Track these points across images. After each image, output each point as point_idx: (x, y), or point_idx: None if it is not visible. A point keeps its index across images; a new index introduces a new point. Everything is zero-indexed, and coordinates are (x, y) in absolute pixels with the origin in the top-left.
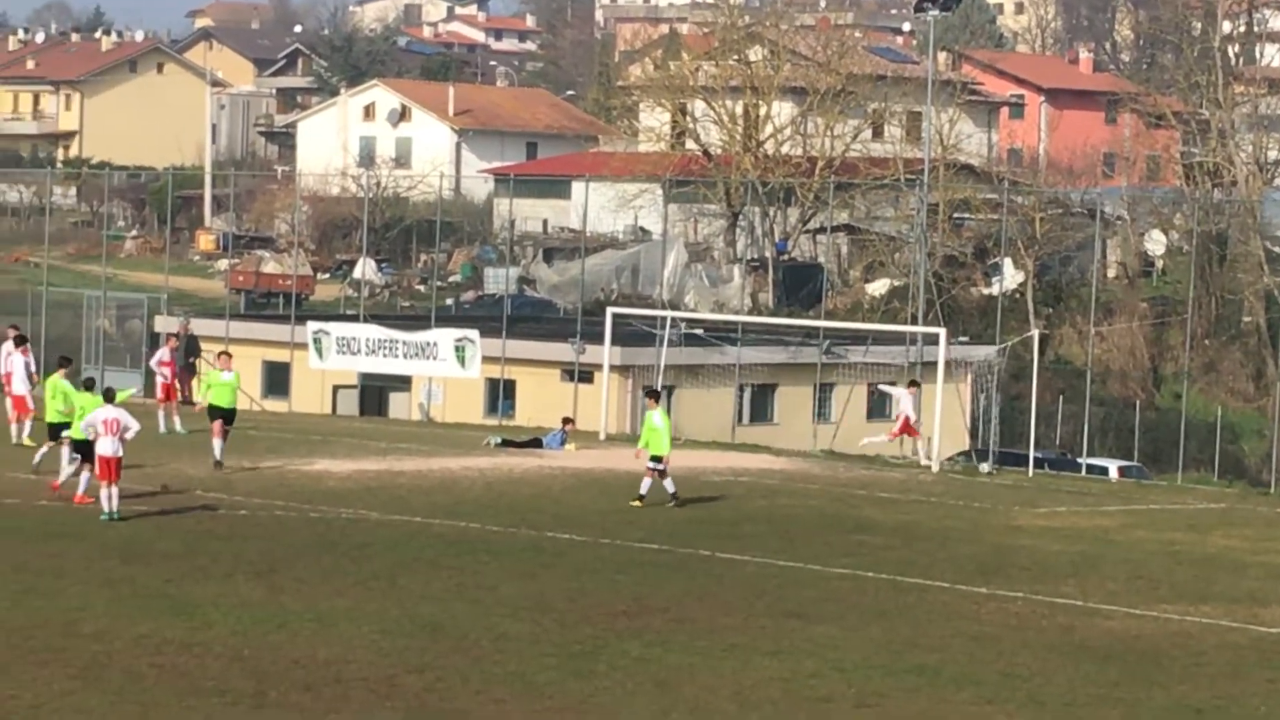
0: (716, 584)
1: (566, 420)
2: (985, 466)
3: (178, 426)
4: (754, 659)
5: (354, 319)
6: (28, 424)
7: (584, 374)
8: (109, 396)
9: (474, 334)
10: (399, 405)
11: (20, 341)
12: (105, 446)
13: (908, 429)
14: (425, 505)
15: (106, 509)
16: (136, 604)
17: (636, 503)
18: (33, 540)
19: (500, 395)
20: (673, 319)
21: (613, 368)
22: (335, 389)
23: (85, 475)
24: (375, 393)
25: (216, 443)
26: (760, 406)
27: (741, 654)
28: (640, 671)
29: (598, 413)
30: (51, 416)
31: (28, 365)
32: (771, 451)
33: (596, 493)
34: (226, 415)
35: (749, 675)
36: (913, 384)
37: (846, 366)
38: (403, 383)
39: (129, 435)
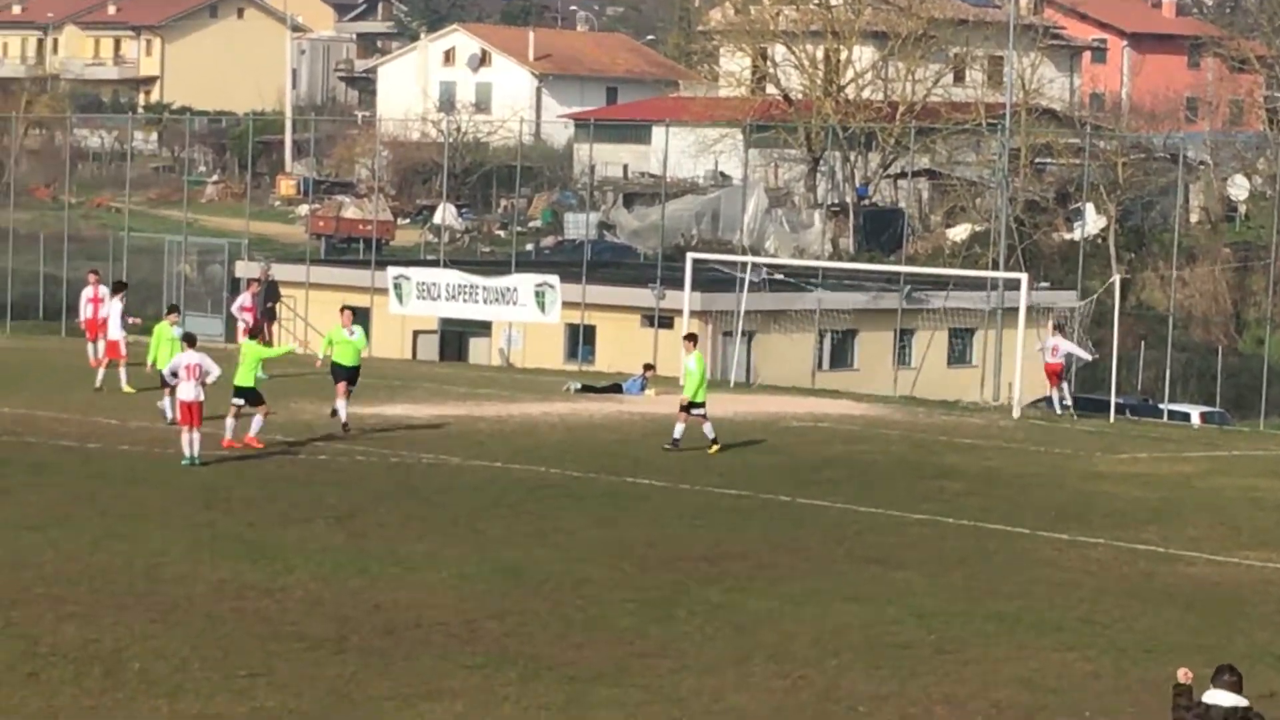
0: (796, 529)
1: (647, 367)
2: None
3: (259, 371)
4: (834, 605)
5: (434, 264)
6: (123, 370)
7: (664, 319)
8: (190, 341)
9: (554, 279)
10: (479, 350)
11: (119, 288)
12: (186, 391)
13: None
14: (505, 450)
15: (187, 454)
16: (217, 548)
17: (668, 448)
18: (114, 485)
19: (580, 340)
20: (753, 264)
21: (693, 313)
22: (415, 334)
23: (257, 420)
24: (455, 338)
25: (341, 404)
26: (841, 352)
27: (821, 600)
28: (720, 617)
29: (677, 358)
30: (161, 365)
31: (124, 311)
32: (852, 397)
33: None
34: (351, 375)
35: (829, 621)
36: (1057, 328)
37: (927, 312)
38: (483, 328)
39: (209, 380)
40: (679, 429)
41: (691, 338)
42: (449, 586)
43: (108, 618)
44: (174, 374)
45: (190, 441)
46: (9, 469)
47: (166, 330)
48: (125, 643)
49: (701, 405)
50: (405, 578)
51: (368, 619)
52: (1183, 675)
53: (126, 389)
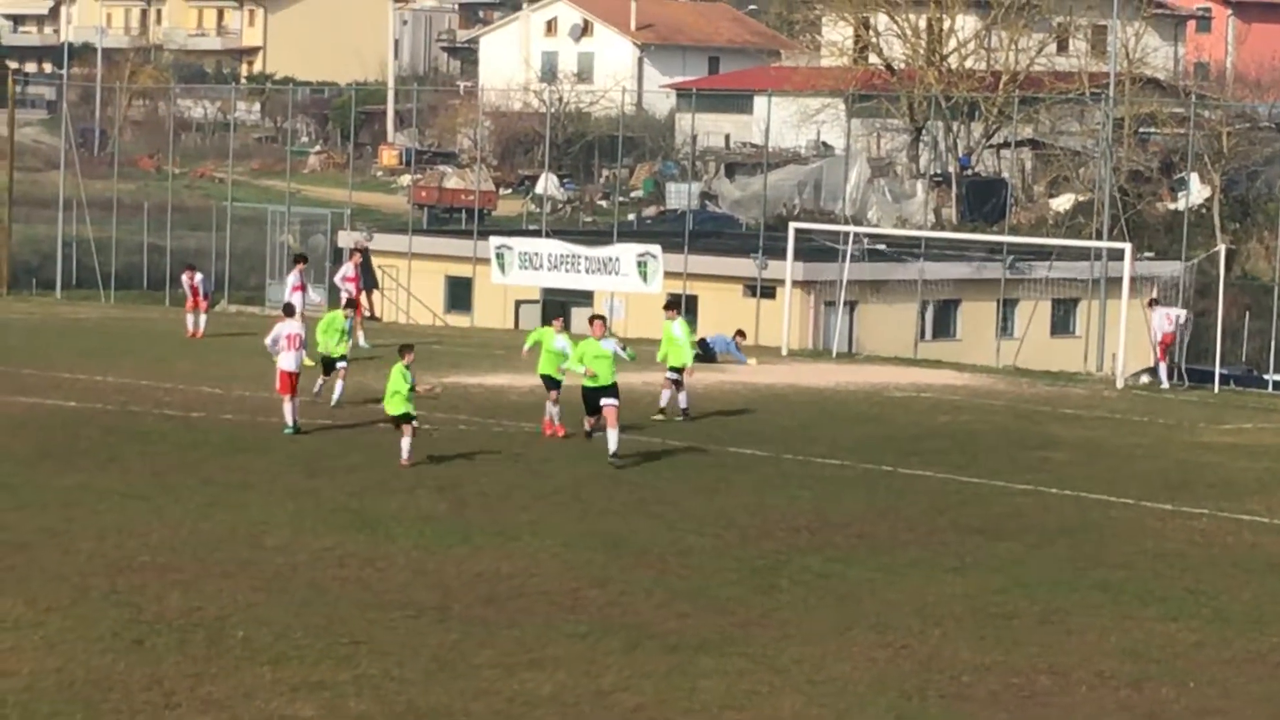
0: (899, 500)
1: (739, 333)
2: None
3: (361, 341)
4: (937, 575)
5: (536, 234)
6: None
7: (766, 289)
8: (289, 311)
9: (656, 249)
10: (581, 320)
11: (299, 260)
12: (288, 361)
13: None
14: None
15: (289, 422)
16: (320, 517)
17: (658, 416)
18: (218, 454)
19: (682, 310)
20: (855, 234)
21: (795, 283)
22: (518, 304)
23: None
24: (557, 307)
25: (612, 434)
26: (943, 322)
27: (924, 570)
28: (822, 586)
29: (779, 328)
30: (324, 349)
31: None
32: (954, 367)
33: (779, 408)
34: (607, 390)
35: (932, 591)
36: (1152, 302)
37: (1030, 282)
38: (585, 297)
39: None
40: (683, 398)
41: (673, 305)
42: (552, 555)
43: (212, 586)
44: (275, 343)
45: (291, 410)
46: (114, 438)
47: (339, 319)
48: (229, 611)
49: (679, 371)
50: (508, 546)
51: (470, 587)
52: None
53: (306, 362)
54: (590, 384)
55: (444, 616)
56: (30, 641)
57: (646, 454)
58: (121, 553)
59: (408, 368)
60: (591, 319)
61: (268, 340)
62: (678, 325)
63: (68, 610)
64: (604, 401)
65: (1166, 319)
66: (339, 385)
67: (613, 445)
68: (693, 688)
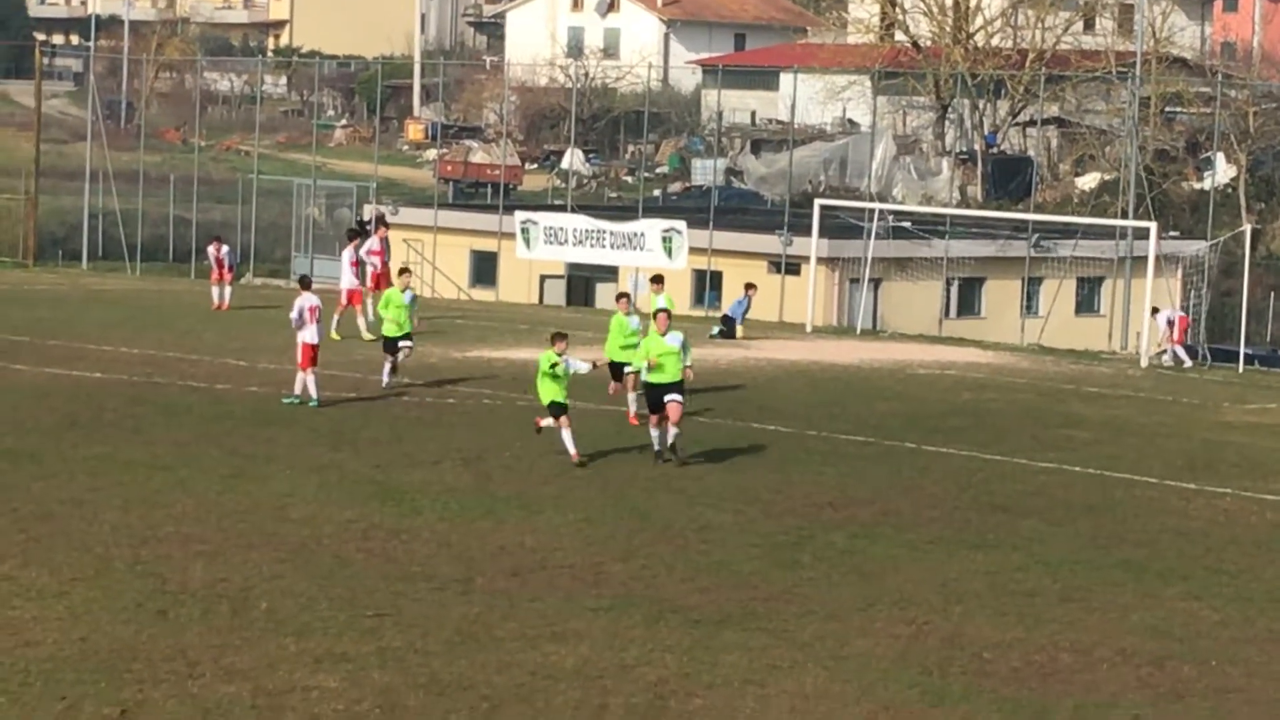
0: (922, 477)
1: (749, 285)
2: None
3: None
4: (959, 552)
5: (561, 209)
6: (360, 319)
7: (791, 266)
8: (305, 284)
9: (681, 225)
10: (606, 295)
11: (352, 235)
12: (310, 334)
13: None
14: (632, 395)
15: (314, 395)
16: (345, 490)
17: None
18: (243, 426)
19: (707, 286)
20: (880, 211)
21: (819, 260)
22: (542, 278)
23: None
24: (582, 283)
25: (672, 431)
26: (968, 300)
27: (946, 547)
28: (844, 563)
29: (804, 305)
30: (388, 330)
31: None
32: (978, 345)
33: (803, 384)
34: (671, 386)
35: (954, 568)
36: (1155, 311)
37: (1055, 260)
38: (609, 273)
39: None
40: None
41: (659, 279)
42: (575, 529)
43: (236, 557)
44: (300, 317)
45: (314, 383)
46: (139, 409)
47: (397, 295)
48: (253, 582)
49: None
50: (531, 520)
51: (494, 560)
52: None
53: (333, 335)
54: (654, 379)
55: (467, 589)
56: (54, 611)
57: None
58: (146, 524)
59: (560, 355)
60: (618, 296)
61: (292, 314)
62: (662, 300)
63: (92, 580)
64: (669, 398)
65: (1170, 321)
66: (389, 365)
67: (671, 438)
68: (715, 662)
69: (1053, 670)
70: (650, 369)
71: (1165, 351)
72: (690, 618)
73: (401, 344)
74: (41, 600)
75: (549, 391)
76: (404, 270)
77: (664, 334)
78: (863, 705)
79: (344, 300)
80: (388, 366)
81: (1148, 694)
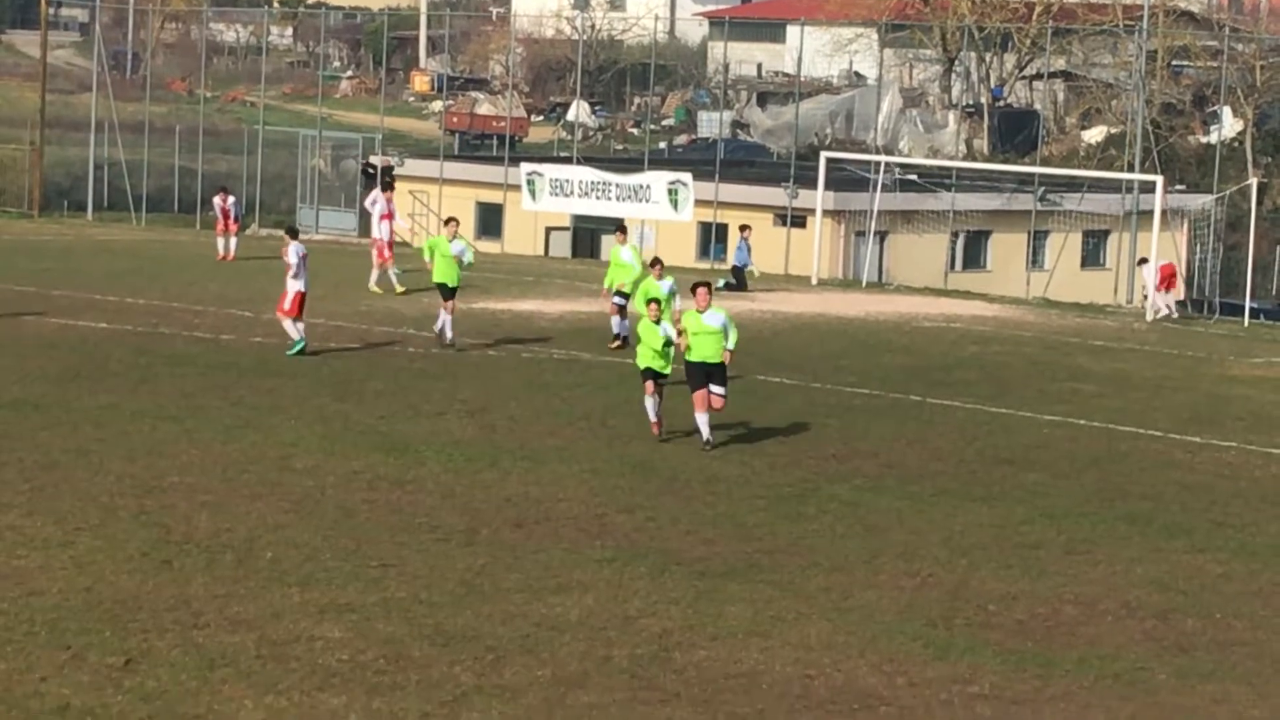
0: (927, 429)
1: (744, 227)
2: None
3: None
4: (964, 505)
5: (567, 161)
6: (375, 272)
7: (796, 218)
8: (294, 234)
9: (687, 177)
10: (611, 247)
11: (386, 187)
12: (301, 282)
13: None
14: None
15: (297, 336)
16: (349, 440)
17: (615, 345)
18: (248, 376)
19: (712, 239)
20: (886, 164)
21: (825, 212)
22: (548, 230)
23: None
24: (587, 235)
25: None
26: (974, 253)
27: (951, 499)
28: (849, 515)
29: (810, 257)
30: (440, 277)
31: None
32: (984, 298)
33: (809, 336)
34: (714, 370)
35: (958, 521)
36: (1143, 261)
37: (1061, 214)
38: (615, 225)
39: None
40: (622, 324)
41: (623, 228)
42: (579, 481)
43: (240, 507)
44: (303, 265)
45: (297, 329)
46: (145, 359)
47: (443, 244)
48: (258, 532)
49: (627, 297)
50: (536, 471)
51: (498, 512)
52: None
53: (373, 289)
54: (695, 356)
55: (472, 540)
56: (59, 560)
57: (672, 382)
58: (151, 473)
59: (657, 323)
60: (652, 262)
61: (294, 260)
62: (626, 250)
63: (97, 530)
64: (713, 389)
65: (1158, 270)
66: (443, 315)
67: (706, 432)
68: (719, 614)
69: (1057, 623)
70: (680, 350)
71: (1152, 303)
72: (695, 569)
73: (451, 299)
74: (46, 550)
75: (649, 359)
76: (451, 219)
77: (703, 311)
78: (867, 657)
79: (379, 254)
80: (448, 319)
81: (1152, 647)
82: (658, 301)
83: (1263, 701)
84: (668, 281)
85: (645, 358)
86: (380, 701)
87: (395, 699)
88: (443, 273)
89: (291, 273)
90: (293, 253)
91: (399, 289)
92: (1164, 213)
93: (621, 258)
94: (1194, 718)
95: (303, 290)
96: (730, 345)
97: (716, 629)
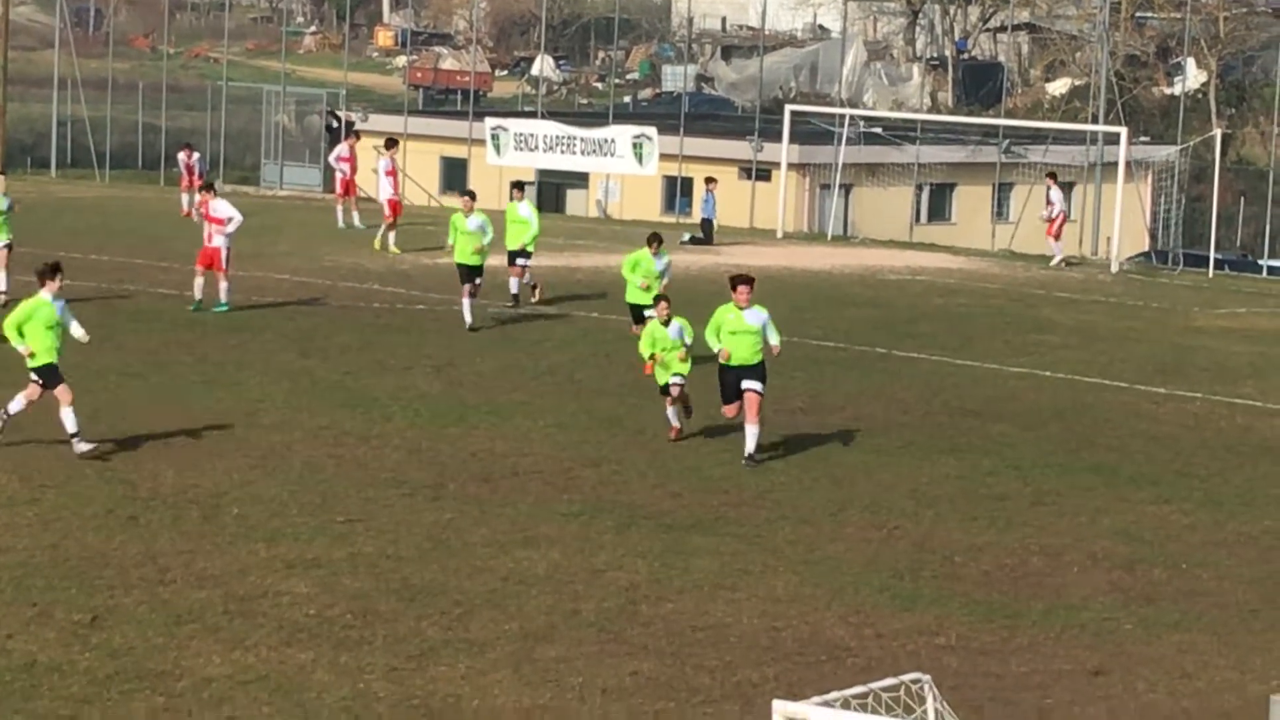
0: (893, 382)
1: (709, 180)
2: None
3: (356, 222)
4: (930, 457)
5: (532, 115)
6: (391, 234)
7: (761, 172)
8: (212, 188)
9: (651, 131)
10: (576, 202)
11: (390, 144)
12: (222, 238)
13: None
14: (602, 302)
15: (196, 297)
16: (315, 396)
17: (510, 305)
18: (214, 333)
19: (678, 193)
20: (851, 117)
21: (790, 166)
22: (513, 185)
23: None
24: (553, 189)
25: (751, 431)
26: (938, 206)
27: (917, 452)
28: (816, 468)
29: (775, 211)
30: (460, 257)
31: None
32: (950, 251)
33: (773, 290)
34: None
35: (925, 473)
36: (1052, 175)
37: (1026, 166)
38: (580, 179)
39: (231, 227)
40: (514, 284)
41: (519, 185)
42: (545, 435)
43: (207, 463)
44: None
45: (202, 286)
46: (110, 317)
47: (459, 219)
48: (224, 488)
49: (528, 256)
50: (502, 426)
51: (465, 466)
52: None
53: (393, 250)
54: (733, 363)
55: (438, 495)
56: (24, 518)
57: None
58: (116, 430)
59: (667, 323)
60: (649, 239)
61: (237, 217)
62: (524, 206)
63: (62, 487)
64: (746, 385)
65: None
66: (467, 302)
67: (750, 445)
68: (686, 567)
69: (1023, 574)
70: (723, 360)
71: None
72: (661, 523)
73: (479, 280)
74: (12, 507)
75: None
76: (468, 192)
77: (745, 309)
78: (834, 609)
79: (387, 213)
80: (467, 303)
81: (1118, 597)
82: (667, 300)
83: (1228, 651)
84: (663, 259)
85: (662, 374)
86: (348, 656)
87: (362, 653)
88: (462, 252)
89: (228, 228)
90: (229, 210)
91: (354, 225)
92: (1128, 164)
93: (520, 213)
94: (1160, 667)
95: (220, 246)
96: (776, 341)
97: (683, 582)
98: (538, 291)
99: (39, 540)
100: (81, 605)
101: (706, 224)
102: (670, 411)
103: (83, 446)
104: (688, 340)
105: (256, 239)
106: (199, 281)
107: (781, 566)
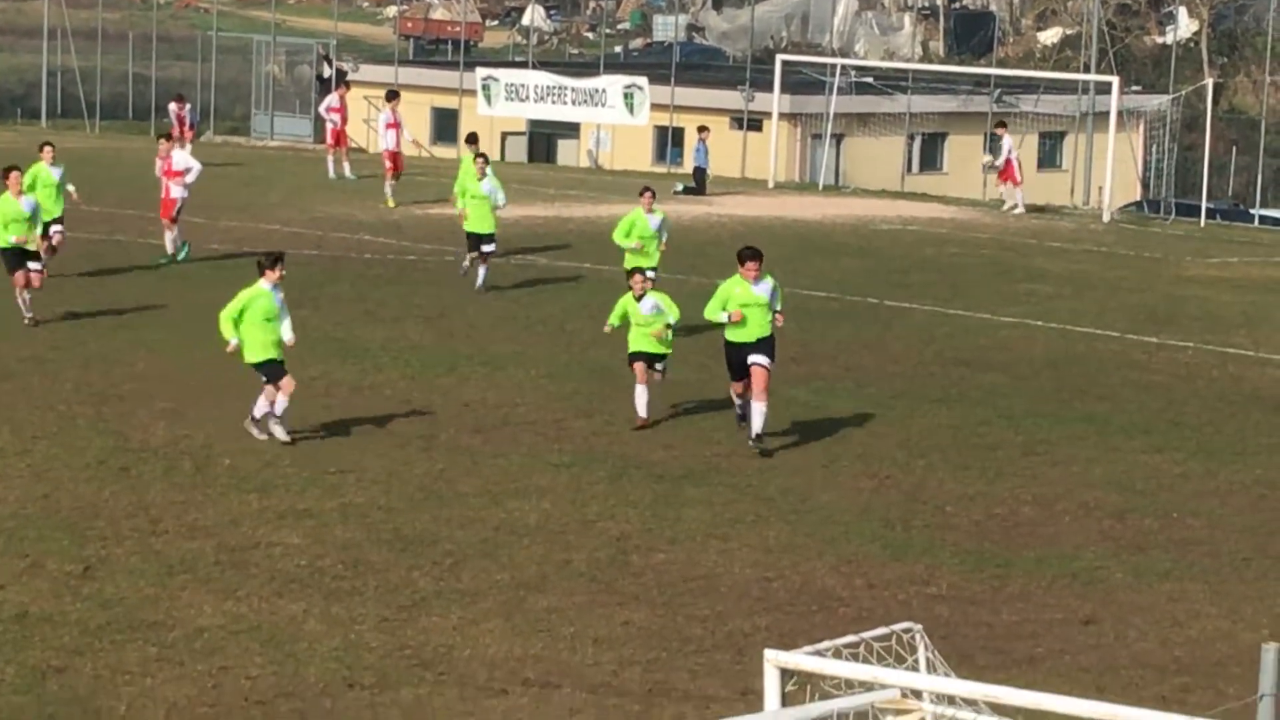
0: (884, 332)
1: (702, 129)
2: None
3: (347, 172)
4: (921, 406)
5: (523, 66)
6: (389, 184)
7: (753, 122)
8: (171, 136)
9: (643, 81)
10: (567, 152)
11: (391, 96)
12: (180, 189)
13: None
14: (593, 251)
15: (170, 250)
16: (306, 347)
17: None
18: (205, 284)
19: (669, 143)
20: (842, 67)
21: (781, 116)
22: (504, 135)
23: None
24: (543, 139)
25: (758, 409)
26: (930, 155)
27: (909, 401)
28: (807, 418)
29: (766, 161)
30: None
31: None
32: (941, 200)
33: (766, 240)
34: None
35: (916, 422)
36: (1002, 125)
37: (1018, 115)
38: (571, 129)
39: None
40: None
41: (474, 139)
42: (537, 386)
43: (198, 414)
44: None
45: (173, 239)
46: (101, 268)
47: (471, 182)
48: (215, 439)
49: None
50: (494, 377)
51: (457, 417)
52: None
53: (389, 202)
54: (736, 337)
55: (430, 445)
56: (16, 469)
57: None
58: (107, 381)
59: (640, 299)
60: (642, 191)
61: (196, 166)
62: (656, 220)
63: (54, 438)
64: (754, 359)
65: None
66: (482, 270)
67: (757, 423)
68: (677, 517)
69: (1014, 523)
70: (732, 322)
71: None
72: (653, 473)
73: (484, 247)
74: (4, 458)
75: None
76: (481, 155)
77: (755, 282)
78: (825, 559)
79: (388, 165)
80: (483, 271)
81: (1109, 546)
82: (642, 272)
83: (1219, 599)
84: (658, 217)
85: (638, 340)
86: (339, 607)
87: (354, 604)
88: (474, 218)
89: (187, 178)
90: (187, 158)
91: (345, 176)
92: (1120, 114)
93: (472, 169)
94: (1151, 616)
95: (178, 196)
96: (779, 307)
97: (675, 532)
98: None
99: (31, 491)
100: (73, 556)
101: (699, 173)
102: (639, 392)
103: (278, 431)
104: (671, 320)
105: (248, 189)
106: (169, 235)
107: (773, 516)
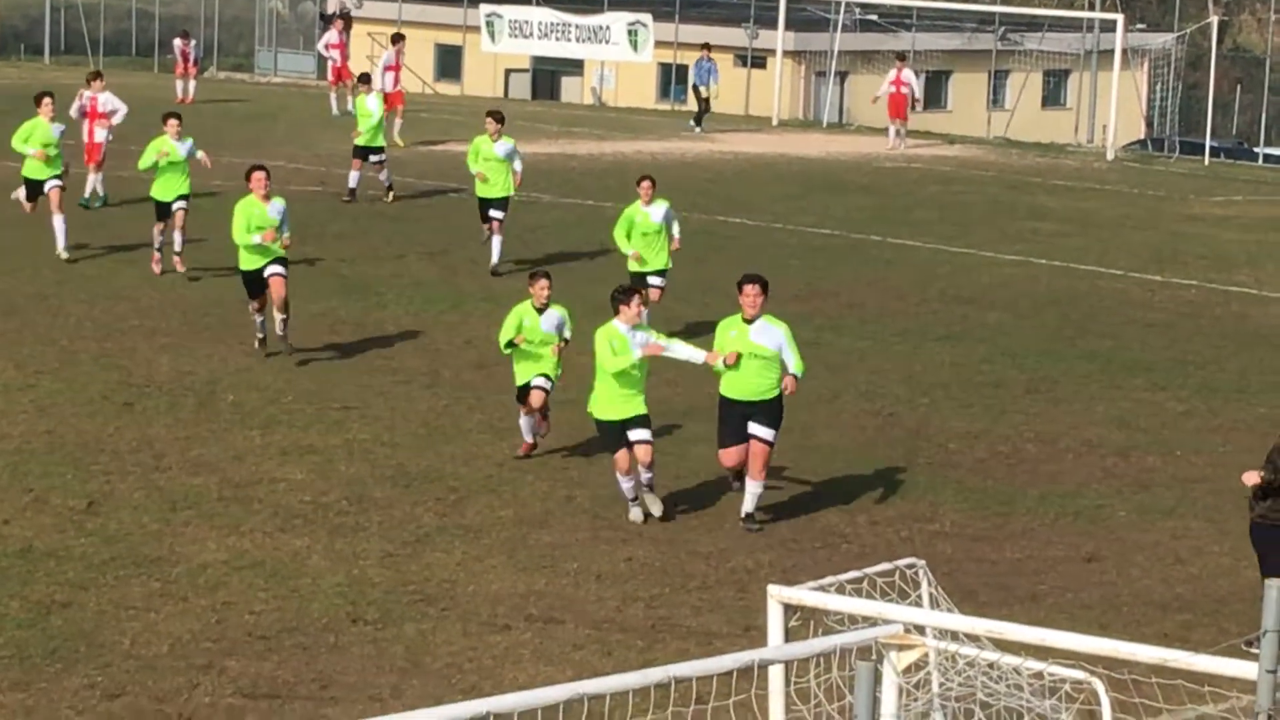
0: (888, 269)
1: (705, 45)
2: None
3: (350, 108)
4: (925, 344)
5: (527, 3)
6: (398, 122)
7: (757, 59)
8: (99, 75)
9: (646, 18)
10: (571, 89)
11: (396, 39)
12: (101, 133)
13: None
14: (598, 188)
15: (88, 193)
16: (310, 284)
17: (347, 199)
18: (208, 220)
19: (673, 80)
20: (847, 4)
21: (786, 53)
22: (508, 72)
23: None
24: (547, 76)
25: (752, 488)
26: (934, 93)
27: (912, 339)
28: (811, 355)
29: (770, 98)
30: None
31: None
32: (945, 138)
33: (770, 178)
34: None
35: (919, 360)
36: (900, 57)
37: (1022, 53)
38: (575, 66)
39: (116, 119)
40: (354, 178)
41: (365, 79)
42: None
43: (202, 350)
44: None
45: (97, 181)
46: (104, 204)
47: (485, 144)
48: (219, 375)
49: (380, 150)
50: (497, 313)
51: (460, 353)
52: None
53: (397, 141)
54: (731, 392)
55: (434, 382)
56: (20, 404)
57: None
58: (111, 316)
59: (542, 310)
60: (639, 180)
61: (122, 109)
62: (371, 99)
63: (57, 373)
64: (753, 429)
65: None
66: (496, 242)
67: (749, 504)
68: (682, 453)
69: (1018, 460)
70: (727, 366)
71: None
72: (657, 410)
73: (493, 213)
74: (7, 394)
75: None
76: (496, 113)
77: (751, 321)
78: (828, 495)
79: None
80: (497, 241)
81: (1113, 484)
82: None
83: (1222, 537)
84: (661, 206)
85: (526, 369)
86: (343, 542)
87: (358, 540)
88: (488, 184)
89: (114, 120)
90: (115, 100)
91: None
92: (1124, 52)
93: (367, 107)
94: (1154, 553)
95: (100, 141)
96: (796, 371)
97: (679, 468)
98: (390, 194)
99: (35, 426)
100: (77, 491)
101: (697, 90)
102: (524, 422)
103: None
104: (567, 335)
105: (253, 125)
106: (94, 179)
107: (776, 453)
